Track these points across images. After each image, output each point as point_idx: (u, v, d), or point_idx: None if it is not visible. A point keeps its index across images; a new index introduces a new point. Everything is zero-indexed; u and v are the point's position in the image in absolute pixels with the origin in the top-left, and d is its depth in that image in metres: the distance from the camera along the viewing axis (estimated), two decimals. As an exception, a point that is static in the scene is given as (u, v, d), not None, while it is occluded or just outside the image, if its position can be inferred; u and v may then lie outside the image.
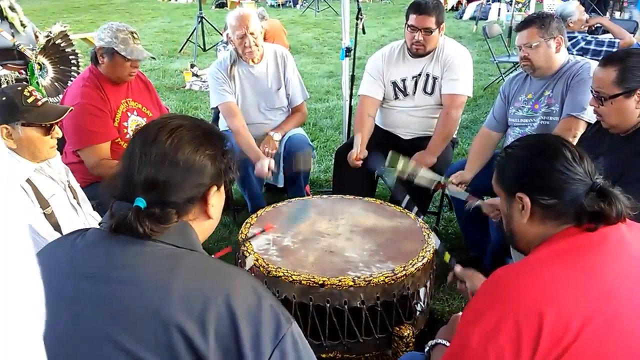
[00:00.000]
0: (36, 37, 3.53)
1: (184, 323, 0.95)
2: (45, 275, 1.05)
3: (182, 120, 1.16)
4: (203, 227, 1.17)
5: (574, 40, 4.50)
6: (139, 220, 1.03)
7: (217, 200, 1.17)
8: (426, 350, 1.51)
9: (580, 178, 1.25)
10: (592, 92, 2.02)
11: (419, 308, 2.04)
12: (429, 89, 3.11)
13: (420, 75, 3.11)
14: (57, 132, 2.03)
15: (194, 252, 1.09)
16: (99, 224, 1.13)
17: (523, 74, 2.82)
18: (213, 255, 1.84)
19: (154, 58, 2.96)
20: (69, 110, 2.06)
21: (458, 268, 1.76)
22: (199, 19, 8.92)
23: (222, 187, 1.19)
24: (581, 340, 1.06)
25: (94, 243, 1.09)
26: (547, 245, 1.24)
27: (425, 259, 2.01)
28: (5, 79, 3.24)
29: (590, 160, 1.29)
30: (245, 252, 2.04)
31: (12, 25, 3.31)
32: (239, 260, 2.11)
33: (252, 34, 3.08)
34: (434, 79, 3.09)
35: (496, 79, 6.81)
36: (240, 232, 2.19)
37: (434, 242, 2.03)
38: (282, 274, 1.90)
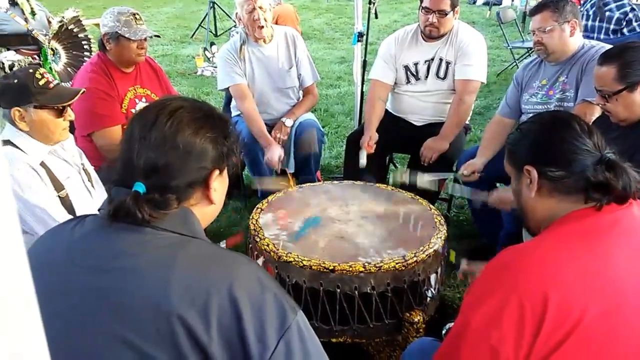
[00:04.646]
0: (49, 22, 3.53)
1: (185, 314, 0.92)
2: (42, 264, 1.06)
3: (182, 102, 1.12)
4: (205, 212, 1.14)
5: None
6: (138, 205, 1.00)
7: (219, 184, 1.14)
8: (443, 333, 1.52)
9: (588, 149, 1.24)
10: (596, 90, 2.01)
11: (429, 294, 2.04)
12: (441, 74, 3.09)
13: (433, 59, 3.08)
14: (70, 115, 2.04)
15: (195, 239, 1.06)
16: (98, 210, 1.10)
17: (537, 60, 2.78)
18: (225, 242, 1.85)
19: (158, 36, 2.95)
20: (81, 92, 2.07)
21: (464, 263, 1.76)
22: (211, 5, 8.88)
23: (225, 171, 1.16)
24: (583, 327, 1.05)
25: (93, 231, 1.06)
26: (557, 226, 1.23)
27: (437, 246, 2.00)
28: (19, 64, 3.25)
29: (600, 135, 1.28)
30: (255, 245, 2.03)
31: (23, 11, 3.32)
32: (250, 246, 2.11)
33: (260, 7, 3.06)
34: (447, 63, 3.06)
35: (510, 65, 6.72)
36: (250, 217, 2.20)
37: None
38: (292, 259, 1.90)
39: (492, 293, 1.12)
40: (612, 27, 4.06)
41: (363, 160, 2.94)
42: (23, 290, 0.44)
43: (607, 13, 4.07)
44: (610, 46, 2.23)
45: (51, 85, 1.97)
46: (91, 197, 2.13)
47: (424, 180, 2.63)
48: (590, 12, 4.17)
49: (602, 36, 4.08)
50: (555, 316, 1.05)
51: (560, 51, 2.59)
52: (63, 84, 3.19)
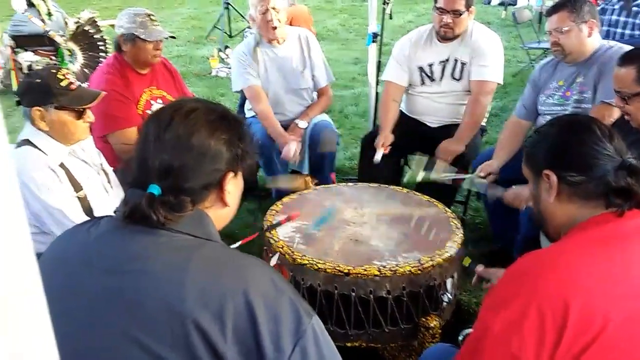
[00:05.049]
0: (65, 23, 3.57)
1: (200, 318, 0.91)
2: (57, 265, 1.07)
3: (197, 104, 1.12)
4: (219, 215, 1.13)
5: None
6: (153, 208, 1.00)
7: (233, 186, 1.13)
8: (460, 339, 1.50)
9: (609, 154, 1.21)
10: (615, 91, 1.98)
11: (445, 299, 2.02)
12: (457, 75, 3.06)
13: (448, 60, 3.05)
14: (89, 116, 2.05)
15: (210, 241, 1.06)
16: (114, 211, 1.10)
17: (554, 61, 2.74)
18: (240, 242, 1.85)
19: (173, 37, 2.96)
20: (101, 95, 2.08)
21: (480, 268, 1.73)
22: (225, 5, 8.90)
23: (239, 174, 1.15)
24: (606, 335, 1.03)
25: (108, 233, 1.06)
26: (577, 231, 1.20)
27: (453, 250, 1.98)
28: (36, 65, 3.28)
29: (620, 139, 1.25)
30: (270, 248, 2.03)
31: (40, 12, 3.36)
32: (265, 248, 2.11)
33: (274, 8, 3.05)
34: (462, 64, 3.03)
35: (526, 66, 6.66)
36: (265, 219, 2.19)
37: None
38: (307, 262, 1.89)
39: (513, 299, 1.11)
40: (637, 22, 4.00)
41: (378, 157, 2.93)
42: (26, 290, 0.43)
43: (634, 8, 4.01)
44: (630, 47, 2.20)
45: (73, 86, 1.98)
46: (109, 198, 2.14)
47: (440, 177, 2.61)
48: (617, 7, 4.10)
49: (627, 31, 4.02)
50: (577, 323, 1.03)
51: (577, 52, 2.56)
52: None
